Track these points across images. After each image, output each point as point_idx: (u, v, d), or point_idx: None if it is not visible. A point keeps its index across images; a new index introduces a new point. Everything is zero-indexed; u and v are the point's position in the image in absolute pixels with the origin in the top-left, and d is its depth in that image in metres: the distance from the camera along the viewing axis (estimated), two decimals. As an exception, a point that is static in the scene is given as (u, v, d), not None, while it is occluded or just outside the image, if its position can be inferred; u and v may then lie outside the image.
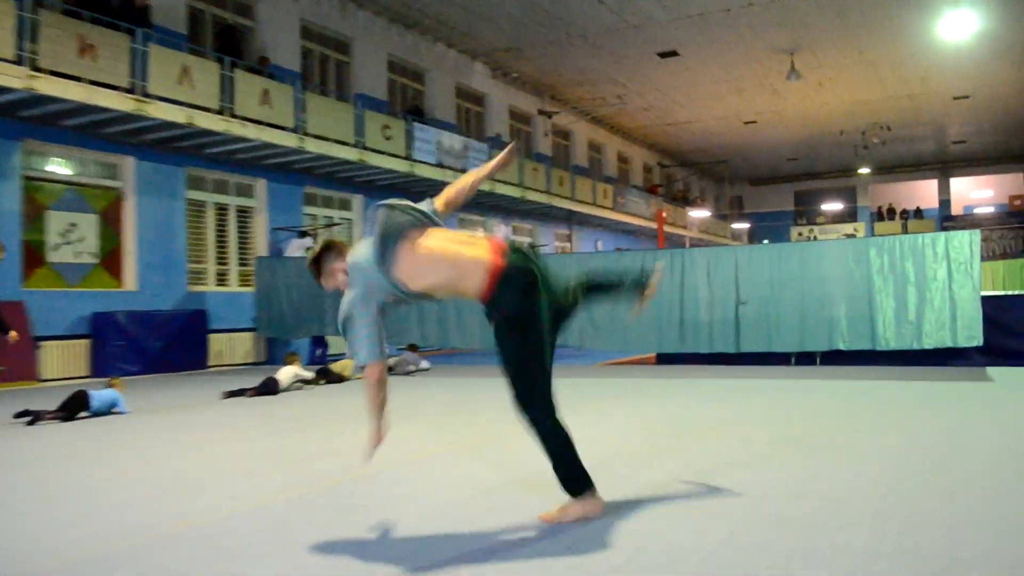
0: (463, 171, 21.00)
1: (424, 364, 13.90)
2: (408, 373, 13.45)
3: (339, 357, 16.32)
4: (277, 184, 17.77)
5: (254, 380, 11.28)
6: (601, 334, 13.91)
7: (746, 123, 33.38)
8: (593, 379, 11.81)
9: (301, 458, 5.95)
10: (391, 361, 14.11)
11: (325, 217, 19.34)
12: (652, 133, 35.50)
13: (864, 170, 43.16)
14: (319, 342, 16.55)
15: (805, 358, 13.00)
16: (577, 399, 9.33)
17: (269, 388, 10.59)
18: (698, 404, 8.66)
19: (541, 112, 28.68)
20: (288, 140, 16.14)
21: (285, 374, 10.98)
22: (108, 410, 8.78)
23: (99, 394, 8.78)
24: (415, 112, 20.85)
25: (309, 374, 11.60)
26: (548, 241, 28.85)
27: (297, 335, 16.05)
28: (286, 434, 7.18)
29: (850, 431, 6.59)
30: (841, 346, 12.51)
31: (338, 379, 11.97)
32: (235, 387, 10.79)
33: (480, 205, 24.42)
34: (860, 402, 8.49)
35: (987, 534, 3.66)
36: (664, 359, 14.13)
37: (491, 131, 25.78)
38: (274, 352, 16.76)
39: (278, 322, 15.77)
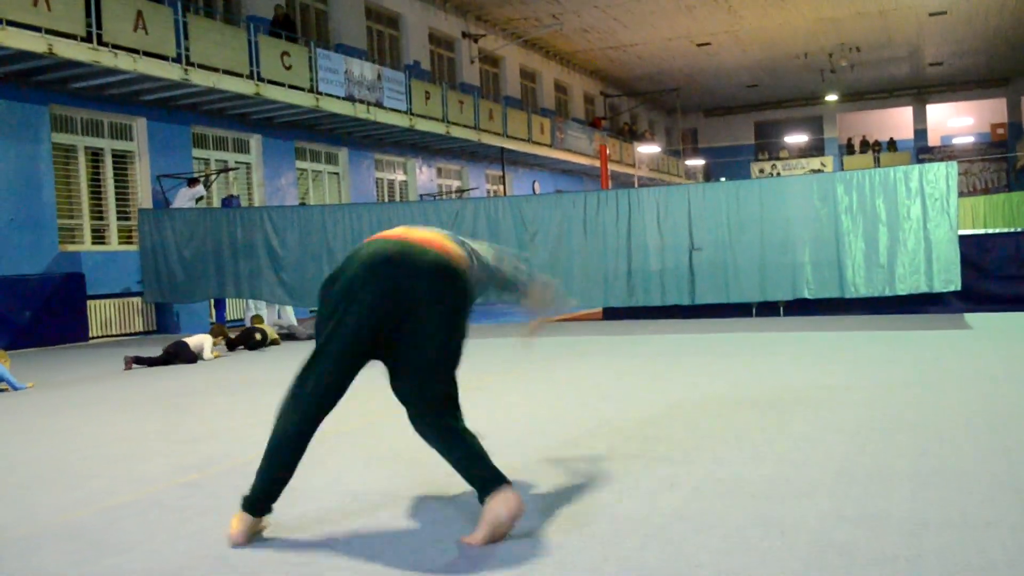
0: (377, 105, 20.84)
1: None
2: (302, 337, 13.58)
3: (239, 322, 16.18)
4: (159, 124, 17.38)
5: (151, 351, 11.28)
6: (539, 288, 13.99)
7: (699, 45, 33.60)
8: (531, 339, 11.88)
9: (195, 437, 5.94)
10: (287, 322, 14.10)
11: (218, 161, 19.04)
12: (593, 58, 35.53)
13: (831, 97, 43.88)
14: (221, 305, 16.39)
15: (767, 309, 13.29)
16: (511, 362, 9.42)
17: (183, 356, 10.82)
18: (648, 363, 8.81)
19: (466, 35, 28.47)
20: (170, 71, 15.78)
21: (195, 341, 11.20)
22: None
23: None
24: (283, 23, 19.63)
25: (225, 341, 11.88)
26: (478, 183, 28.83)
27: (191, 298, 15.84)
28: (184, 410, 7.14)
29: (815, 387, 6.79)
30: (806, 294, 12.81)
31: (255, 343, 12.31)
32: (137, 354, 10.98)
33: (398, 144, 24.27)
34: (827, 355, 8.73)
35: (956, 494, 3.83)
36: (611, 314, 14.30)
37: (408, 58, 25.53)
38: (165, 319, 16.54)
39: (168, 285, 15.54)
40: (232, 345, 12.21)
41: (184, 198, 16.66)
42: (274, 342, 12.78)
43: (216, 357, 11.42)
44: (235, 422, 6.53)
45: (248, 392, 8.15)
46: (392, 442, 5.47)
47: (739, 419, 5.68)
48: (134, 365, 10.61)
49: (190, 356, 10.93)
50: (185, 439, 5.95)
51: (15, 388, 8.97)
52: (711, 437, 5.17)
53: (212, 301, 16.46)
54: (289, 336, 13.77)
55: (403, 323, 3.59)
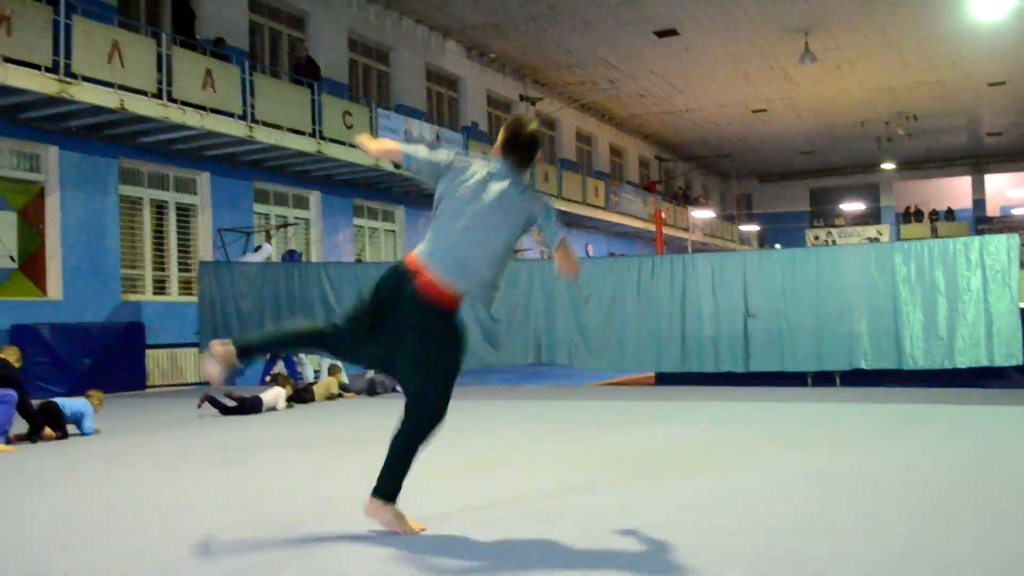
0: (435, 165, 21.03)
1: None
2: (375, 393, 13.64)
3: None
4: (222, 178, 17.74)
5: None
6: (592, 351, 13.98)
7: (754, 112, 33.64)
8: (582, 402, 11.85)
9: (252, 493, 5.95)
10: (372, 375, 14.14)
11: (278, 216, 19.33)
12: (648, 123, 35.70)
13: (888, 165, 43.55)
14: (290, 360, 16.37)
15: (823, 379, 13.11)
16: (562, 426, 9.36)
17: (252, 406, 11.05)
18: (702, 431, 8.71)
19: (523, 98, 28.79)
20: (235, 128, 16.13)
21: (269, 394, 11.51)
22: (72, 420, 9.09)
23: (70, 402, 9.15)
24: (306, 68, 19.01)
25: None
26: (530, 246, 28.94)
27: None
28: (244, 464, 7.18)
29: (870, 461, 6.65)
30: (863, 365, 12.63)
31: (311, 398, 12.53)
32: (215, 395, 11.28)
33: (454, 203, 24.45)
34: (884, 428, 8.57)
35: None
36: (664, 379, 14.21)
37: (467, 119, 25.86)
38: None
39: (225, 336, 15.65)
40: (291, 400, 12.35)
41: (257, 257, 16.89)
42: (331, 397, 12.89)
43: (290, 408, 11.72)
44: (292, 480, 6.55)
45: (311, 448, 8.17)
46: (441, 504, 5.44)
47: (794, 492, 5.57)
48: (206, 403, 10.95)
49: (257, 406, 11.13)
50: (242, 495, 5.97)
51: (84, 433, 9.16)
52: (766, 510, 5.08)
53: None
54: (371, 390, 13.76)
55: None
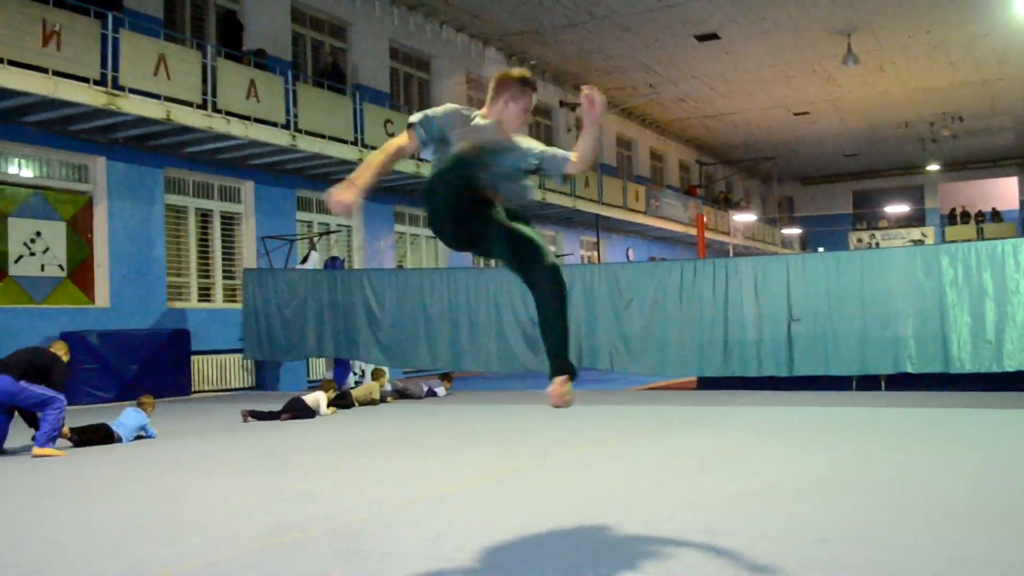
0: (476, 171, 21.07)
1: (440, 391, 14.34)
2: (410, 397, 13.90)
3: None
4: (266, 187, 17.90)
5: (257, 405, 11.71)
6: (634, 355, 13.92)
7: (796, 114, 33.37)
8: (623, 406, 11.81)
9: (298, 496, 6.00)
10: (400, 384, 14.24)
11: (321, 224, 19.47)
12: (689, 127, 35.54)
13: (933, 167, 43.04)
14: (342, 366, 16.38)
15: (868, 383, 12.97)
16: (601, 431, 9.34)
17: (303, 412, 11.26)
18: (744, 436, 8.65)
19: (563, 104, 28.78)
20: (278, 137, 16.27)
21: (312, 398, 11.64)
22: (135, 435, 9.29)
23: (124, 421, 9.28)
24: (332, 73, 19.33)
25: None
26: (573, 250, 28.92)
27: (289, 357, 16.14)
28: (290, 468, 7.23)
29: (917, 466, 6.57)
30: (909, 369, 12.46)
31: (350, 404, 12.60)
32: (254, 407, 11.47)
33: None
34: (930, 433, 8.46)
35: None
36: (706, 384, 14.13)
37: (507, 126, 25.85)
38: (264, 376, 16.86)
39: (268, 343, 15.87)
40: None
41: (314, 262, 17.05)
42: (372, 402, 12.99)
43: (332, 413, 11.82)
44: (338, 483, 6.58)
45: (354, 452, 8.22)
46: (488, 508, 5.45)
47: (841, 500, 5.51)
48: (250, 418, 11.04)
49: (307, 412, 11.28)
50: (288, 498, 6.01)
51: (150, 437, 9.45)
52: (812, 515, 5.03)
53: (327, 361, 16.61)
54: (403, 395, 13.95)
55: None
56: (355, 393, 12.98)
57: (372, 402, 13.05)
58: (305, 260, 17.18)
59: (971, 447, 7.51)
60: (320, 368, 17.73)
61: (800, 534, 4.61)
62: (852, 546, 4.34)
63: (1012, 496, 5.44)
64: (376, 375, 13.81)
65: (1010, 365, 11.97)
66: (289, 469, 7.32)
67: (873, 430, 8.78)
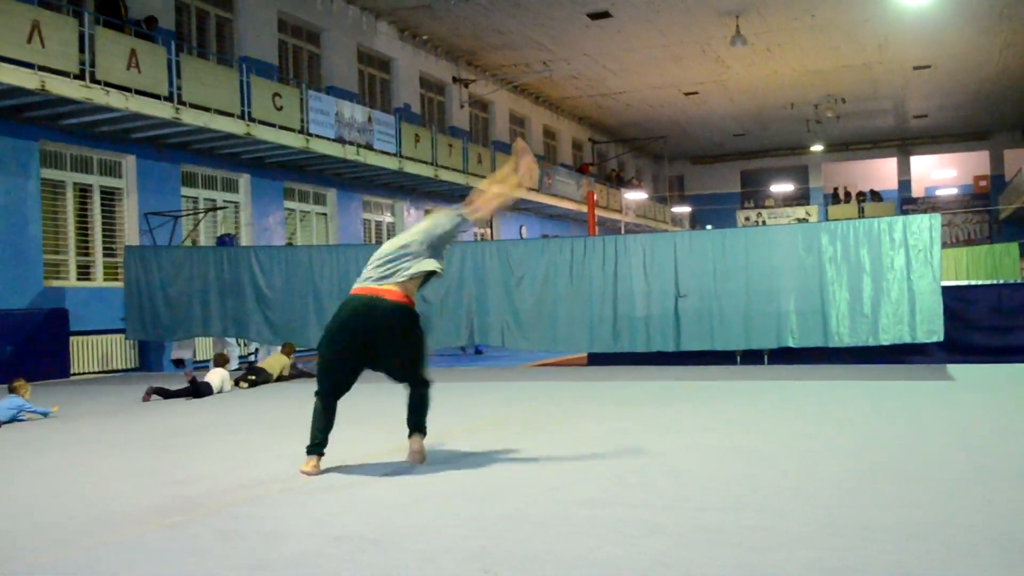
0: (366, 147, 20.95)
1: None
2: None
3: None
4: (149, 161, 17.42)
5: (136, 387, 11.35)
6: (524, 331, 14.03)
7: (687, 94, 33.93)
8: (513, 383, 11.90)
9: (183, 478, 5.90)
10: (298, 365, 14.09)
11: (207, 200, 19.05)
12: (582, 105, 35.82)
13: (817, 147, 44.29)
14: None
15: (752, 357, 13.32)
16: (492, 405, 9.40)
17: (201, 390, 11.09)
18: (633, 410, 8.81)
19: (456, 80, 28.70)
20: (161, 110, 15.84)
21: (216, 376, 11.54)
22: (14, 418, 8.98)
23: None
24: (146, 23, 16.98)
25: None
26: (465, 227, 28.87)
27: (174, 337, 15.78)
28: (179, 450, 7.09)
29: (798, 437, 6.80)
30: (791, 343, 12.85)
31: (265, 379, 12.58)
32: (161, 385, 11.29)
33: (387, 186, 24.35)
34: (810, 405, 8.75)
35: (938, 547, 3.84)
36: (596, 359, 14.31)
37: (399, 101, 25.70)
38: (148, 357, 16.46)
39: (151, 322, 15.48)
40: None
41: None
42: (282, 378, 13.03)
43: (246, 387, 11.95)
44: (226, 464, 6.49)
45: (248, 433, 8.10)
46: (372, 489, 5.45)
47: (723, 468, 5.67)
48: (153, 396, 10.87)
49: (206, 389, 11.17)
50: (173, 480, 5.91)
51: (43, 415, 9.27)
52: (694, 484, 5.17)
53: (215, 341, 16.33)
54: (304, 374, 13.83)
55: (379, 345, 5.97)
56: (268, 366, 12.94)
57: (282, 378, 13.02)
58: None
59: (847, 417, 7.79)
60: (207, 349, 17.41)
61: (681, 503, 4.73)
62: (735, 513, 4.48)
63: (884, 463, 5.67)
64: (286, 348, 13.68)
65: (885, 339, 12.45)
66: (179, 450, 7.18)
67: (756, 402, 9.03)
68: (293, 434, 7.58)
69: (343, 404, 6.17)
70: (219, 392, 11.46)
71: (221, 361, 12.29)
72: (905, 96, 35.87)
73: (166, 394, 10.99)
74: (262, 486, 5.51)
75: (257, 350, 16.27)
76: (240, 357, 16.50)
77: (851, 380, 10.73)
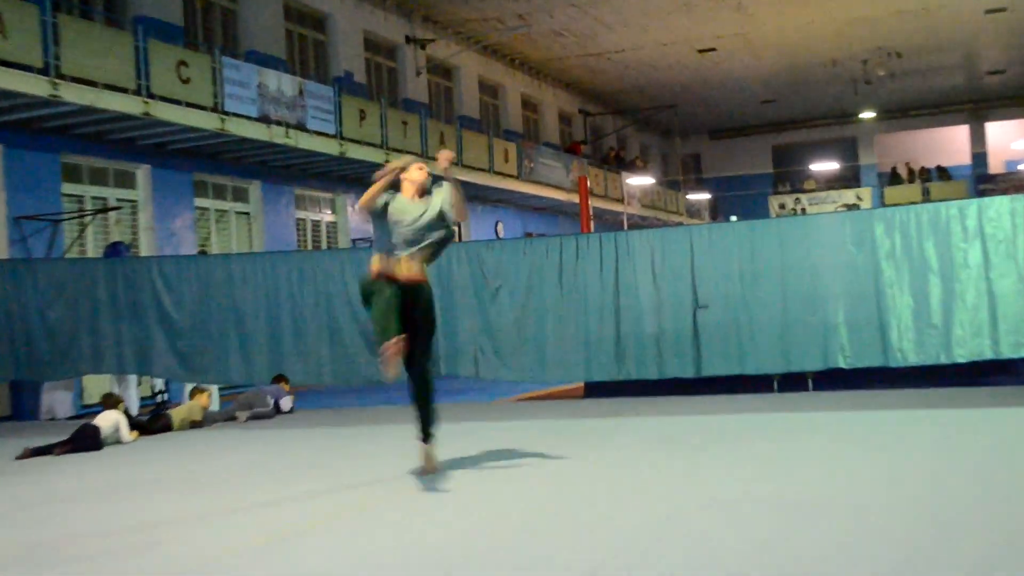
0: (298, 127, 20.87)
1: (286, 403, 14.10)
2: (260, 417, 13.66)
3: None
4: (20, 151, 17.27)
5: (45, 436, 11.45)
6: (504, 358, 13.95)
7: (701, 52, 33.97)
8: (489, 423, 11.81)
9: (60, 558, 5.80)
10: (241, 399, 14.02)
11: (95, 199, 18.89)
12: (570, 68, 35.83)
13: (867, 114, 44.40)
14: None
15: (792, 382, 13.27)
16: (463, 455, 9.31)
17: (87, 441, 10.98)
18: (641, 454, 8.75)
19: (410, 40, 28.66)
20: (34, 86, 15.70)
21: (106, 421, 11.42)
22: None
23: None
24: None
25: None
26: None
27: (55, 375, 15.59)
28: (43, 522, 6.99)
29: (852, 484, 6.74)
30: (841, 364, 12.80)
31: (175, 426, 12.66)
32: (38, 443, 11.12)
33: (326, 176, 24.26)
34: (867, 442, 8.70)
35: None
36: (596, 390, 14.23)
37: (338, 68, 25.62)
38: (22, 403, 16.28)
39: (26, 358, 15.28)
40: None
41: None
42: (194, 424, 12.99)
43: (135, 439, 11.79)
44: (121, 537, 6.39)
45: (149, 494, 7.99)
46: (303, 564, 5.38)
47: (757, 528, 5.61)
48: (32, 457, 10.72)
49: (93, 442, 11.07)
50: (38, 562, 5.80)
51: None
52: (722, 551, 5.10)
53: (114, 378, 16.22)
54: (255, 415, 13.74)
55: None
56: (174, 414, 12.88)
57: (194, 424, 12.98)
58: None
59: (914, 457, 7.74)
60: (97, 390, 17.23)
61: (710, 569, 4.66)
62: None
63: (963, 515, 5.61)
64: (195, 394, 13.62)
65: (960, 355, 12.40)
66: (49, 525, 7.06)
67: (798, 440, 8.97)
68: (202, 495, 7.47)
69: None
70: (116, 442, 11.38)
71: (111, 403, 12.13)
72: (976, 47, 36.03)
73: (45, 451, 10.88)
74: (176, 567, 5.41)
75: (163, 392, 16.08)
76: (146, 399, 16.30)
77: (918, 408, 10.70)
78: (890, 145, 48.68)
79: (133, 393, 15.52)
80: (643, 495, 6.79)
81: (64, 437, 11.10)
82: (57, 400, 15.84)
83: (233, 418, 13.65)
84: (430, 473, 7.77)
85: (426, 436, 7.94)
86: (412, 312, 7.68)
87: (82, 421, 11.96)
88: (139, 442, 11.68)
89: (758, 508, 6.11)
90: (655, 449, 9.04)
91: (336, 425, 12.62)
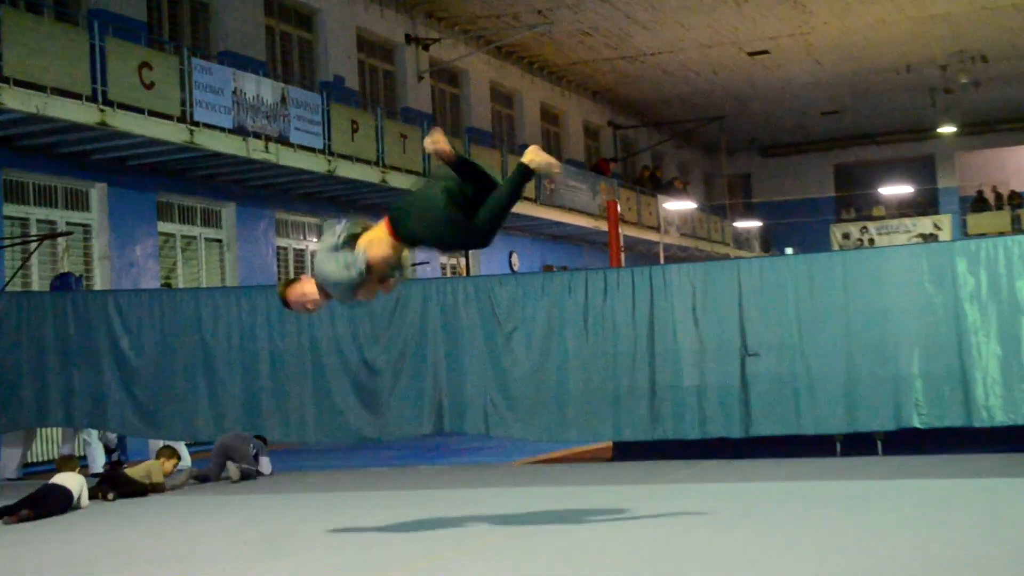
0: (280, 140, 20.91)
1: (265, 465, 14.19)
2: (246, 476, 13.76)
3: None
4: (-45, 167, 17.40)
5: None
6: (519, 413, 13.91)
7: (752, 55, 34.04)
8: (498, 490, 11.77)
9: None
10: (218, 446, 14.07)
11: (42, 223, 18.94)
12: (598, 74, 35.92)
13: (947, 129, 44.33)
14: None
15: (859, 445, 13.20)
16: (467, 530, 9.27)
17: (59, 504, 11.10)
18: (680, 531, 8.69)
19: (411, 39, 28.77)
20: (-29, 91, 15.83)
21: (72, 482, 11.48)
22: None
23: None
24: None
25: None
26: (429, 256, 28.82)
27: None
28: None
29: (931, 567, 6.68)
30: (916, 423, 12.73)
31: (134, 490, 12.55)
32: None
33: (312, 197, 24.31)
34: (948, 516, 8.63)
35: None
36: (626, 452, 14.19)
37: (327, 72, 25.72)
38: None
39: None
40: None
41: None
42: (153, 488, 12.92)
43: (99, 500, 11.90)
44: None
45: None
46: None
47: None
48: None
49: (56, 504, 11.12)
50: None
51: None
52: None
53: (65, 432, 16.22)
54: (247, 477, 13.83)
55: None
56: (133, 472, 12.87)
57: (155, 489, 12.86)
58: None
59: (1005, 534, 7.68)
60: (49, 443, 17.24)
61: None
62: None
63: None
64: (163, 454, 13.62)
65: (1058, 413, 12.35)
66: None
67: (865, 513, 8.91)
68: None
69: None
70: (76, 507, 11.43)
71: (68, 466, 12.14)
72: (1075, 51, 36.02)
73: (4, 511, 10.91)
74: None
75: (115, 451, 16.08)
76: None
77: (1007, 477, 10.62)
78: (974, 165, 48.61)
79: (96, 446, 15.60)
80: (682, 579, 6.74)
81: (19, 499, 11.07)
82: (10, 456, 15.81)
83: (206, 478, 13.67)
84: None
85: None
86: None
87: (40, 482, 11.99)
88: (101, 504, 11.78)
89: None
90: (693, 523, 8.98)
91: (324, 490, 12.58)
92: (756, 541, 8.00)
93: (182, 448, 15.94)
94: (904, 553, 7.25)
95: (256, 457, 14.02)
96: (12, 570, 8.32)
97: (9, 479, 15.15)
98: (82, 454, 15.48)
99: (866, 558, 7.13)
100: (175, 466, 13.70)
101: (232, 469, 13.63)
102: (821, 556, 7.28)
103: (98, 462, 15.37)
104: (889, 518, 8.73)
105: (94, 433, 15.73)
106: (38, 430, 16.23)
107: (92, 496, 12.02)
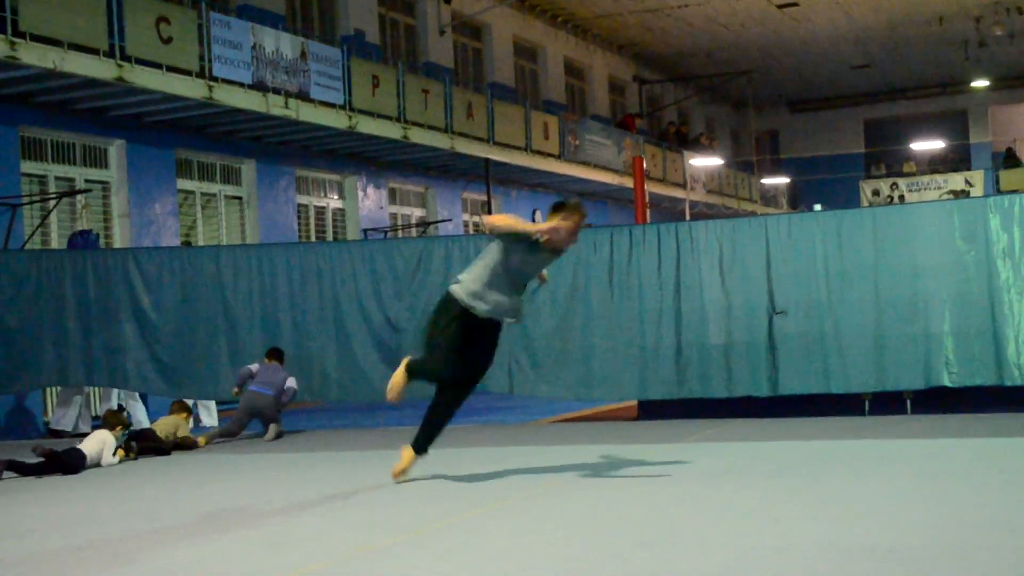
0: (300, 96, 20.90)
1: (291, 385, 14.02)
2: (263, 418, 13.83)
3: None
4: (-29, 124, 17.46)
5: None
6: (543, 372, 13.95)
7: (781, 7, 33.87)
8: (522, 448, 11.82)
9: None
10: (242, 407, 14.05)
11: (60, 180, 19.00)
12: (624, 26, 35.79)
13: (980, 83, 44.10)
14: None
15: (888, 403, 13.21)
16: (494, 488, 9.32)
17: (70, 463, 11.16)
18: (707, 488, 8.71)
19: (433, -8, 28.72)
20: (-15, 47, 15.86)
21: (92, 445, 11.62)
22: None
23: None
24: None
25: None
26: (452, 212, 28.82)
27: (12, 388, 15.71)
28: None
29: (960, 527, 6.69)
30: (947, 382, 12.72)
31: (159, 448, 12.66)
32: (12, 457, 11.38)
33: (332, 154, 24.31)
34: (977, 475, 8.63)
35: None
36: (652, 411, 14.22)
37: (347, 26, 25.68)
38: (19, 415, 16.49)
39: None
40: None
41: None
42: (184, 444, 13.08)
43: (121, 460, 11.87)
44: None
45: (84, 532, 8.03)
46: None
47: (847, 576, 5.59)
48: (5, 473, 10.93)
49: (76, 462, 11.22)
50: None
51: None
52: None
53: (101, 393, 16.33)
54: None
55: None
56: (157, 428, 13.01)
57: (184, 444, 13.03)
58: None
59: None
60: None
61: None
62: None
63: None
64: (176, 408, 13.82)
65: (1091, 372, 12.33)
66: None
67: (893, 473, 8.92)
68: (181, 534, 7.51)
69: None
70: (97, 464, 11.49)
71: (113, 422, 12.24)
72: (1112, 3, 35.75)
73: (23, 469, 11.07)
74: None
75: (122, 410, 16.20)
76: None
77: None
78: (1008, 120, 48.34)
79: (137, 403, 15.73)
80: (704, 538, 6.76)
81: (42, 459, 11.22)
82: (67, 411, 15.91)
83: (230, 434, 13.81)
84: (396, 477, 9.25)
85: (422, 450, 9.33)
86: (479, 343, 9.05)
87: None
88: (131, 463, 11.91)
89: (847, 555, 6.08)
90: (720, 482, 9.00)
91: (345, 449, 12.65)
92: (783, 499, 8.02)
93: (212, 407, 16.08)
94: (931, 514, 7.26)
95: (278, 398, 13.94)
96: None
97: (68, 432, 15.29)
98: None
99: (893, 519, 7.15)
100: (188, 419, 13.87)
101: (272, 430, 13.68)
102: (849, 516, 7.30)
103: (139, 418, 15.49)
104: (917, 477, 8.74)
105: (136, 394, 15.88)
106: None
107: (126, 452, 12.16)
